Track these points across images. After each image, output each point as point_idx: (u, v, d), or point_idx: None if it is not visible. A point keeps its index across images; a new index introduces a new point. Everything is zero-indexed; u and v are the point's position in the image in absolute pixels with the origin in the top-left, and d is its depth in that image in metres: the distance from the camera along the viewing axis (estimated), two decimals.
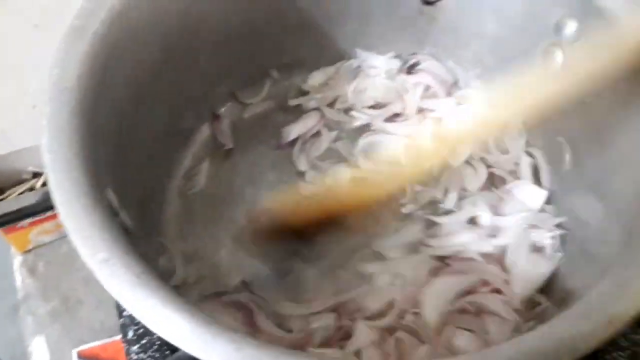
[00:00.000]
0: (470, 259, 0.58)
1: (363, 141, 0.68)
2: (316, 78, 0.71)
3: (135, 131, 0.52)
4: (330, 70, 0.71)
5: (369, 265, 0.60)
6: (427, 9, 0.65)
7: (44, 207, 0.65)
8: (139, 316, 0.35)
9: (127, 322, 0.59)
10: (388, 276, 0.59)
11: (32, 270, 0.73)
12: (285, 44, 0.66)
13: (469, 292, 0.55)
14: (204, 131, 0.68)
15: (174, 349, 0.49)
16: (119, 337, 0.61)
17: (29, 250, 0.73)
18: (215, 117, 0.68)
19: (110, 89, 0.47)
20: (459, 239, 0.59)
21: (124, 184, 0.49)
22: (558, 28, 0.56)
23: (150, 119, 0.55)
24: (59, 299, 0.71)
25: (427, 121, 0.68)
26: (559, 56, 0.57)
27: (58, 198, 0.38)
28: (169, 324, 0.35)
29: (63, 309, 0.70)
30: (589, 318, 0.37)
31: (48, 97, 0.42)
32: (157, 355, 0.55)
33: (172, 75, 0.56)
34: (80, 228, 0.37)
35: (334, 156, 0.68)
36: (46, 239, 0.73)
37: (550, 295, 0.56)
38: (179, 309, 0.35)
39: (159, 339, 0.56)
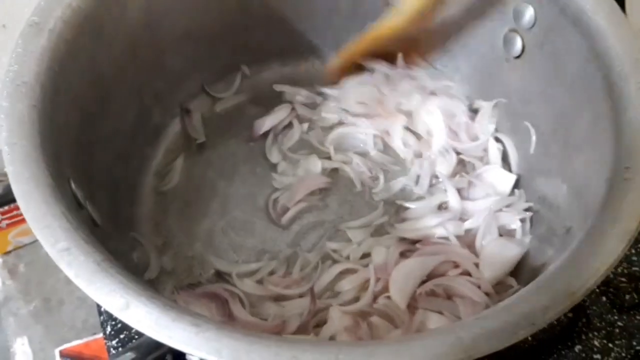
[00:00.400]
0: (440, 242, 0.59)
1: (334, 132, 0.68)
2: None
3: (100, 127, 0.52)
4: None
5: (339, 245, 0.61)
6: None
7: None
8: (100, 302, 0.36)
9: (106, 318, 0.60)
10: (358, 257, 0.60)
11: (12, 272, 0.73)
12: (254, 38, 0.66)
13: (438, 274, 0.56)
14: (175, 126, 0.68)
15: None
16: (101, 334, 0.62)
17: (9, 252, 0.73)
18: (186, 112, 0.69)
19: (71, 85, 0.47)
20: (429, 222, 0.60)
21: (92, 179, 0.50)
22: (517, 14, 0.57)
23: (116, 115, 0.55)
24: (40, 300, 0.71)
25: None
26: (518, 43, 0.58)
27: (17, 190, 0.39)
28: (129, 309, 0.35)
29: (45, 309, 0.70)
30: (545, 293, 0.38)
31: (5, 92, 0.42)
32: None
33: (138, 71, 0.57)
34: (40, 218, 0.38)
35: (306, 147, 0.69)
36: (25, 240, 0.73)
37: (521, 278, 0.57)
38: (139, 293, 0.36)
39: (137, 332, 0.56)
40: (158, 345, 0.36)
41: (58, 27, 0.46)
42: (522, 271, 0.57)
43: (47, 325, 0.69)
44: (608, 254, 0.40)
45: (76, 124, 0.48)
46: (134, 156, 0.62)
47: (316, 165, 0.66)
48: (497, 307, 0.38)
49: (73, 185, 0.44)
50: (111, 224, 0.51)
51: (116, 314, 0.35)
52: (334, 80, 0.71)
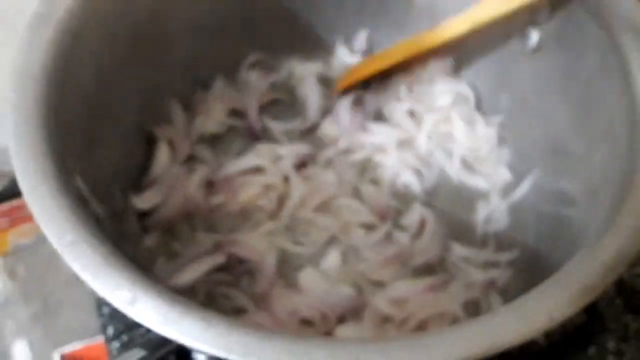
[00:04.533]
0: None
1: None
2: None
3: (106, 121, 0.51)
4: None
5: None
6: None
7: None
8: (106, 296, 0.35)
9: (106, 321, 0.59)
10: None
11: (12, 274, 0.71)
12: (262, 31, 0.65)
13: None
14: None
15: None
16: (101, 337, 0.61)
17: (9, 253, 0.72)
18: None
19: (77, 77, 0.46)
20: None
21: (97, 174, 0.48)
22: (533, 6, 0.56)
23: (121, 108, 0.54)
24: (40, 302, 0.70)
25: None
26: (535, 35, 0.57)
27: (23, 183, 0.38)
28: (137, 303, 0.34)
29: (44, 312, 0.69)
30: (563, 288, 0.38)
31: (12, 85, 0.41)
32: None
33: (144, 63, 0.56)
34: (46, 211, 0.37)
35: None
36: (26, 241, 0.72)
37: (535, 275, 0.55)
38: (147, 287, 0.35)
39: (139, 334, 0.55)
40: (166, 341, 0.35)
41: (65, 18, 0.45)
42: (535, 269, 0.56)
43: (47, 328, 0.68)
44: (627, 249, 0.39)
45: (82, 117, 0.47)
46: (140, 150, 0.61)
47: None
48: (514, 303, 0.37)
49: (79, 181, 0.43)
50: (117, 219, 0.50)
51: (123, 308, 0.34)
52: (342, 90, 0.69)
